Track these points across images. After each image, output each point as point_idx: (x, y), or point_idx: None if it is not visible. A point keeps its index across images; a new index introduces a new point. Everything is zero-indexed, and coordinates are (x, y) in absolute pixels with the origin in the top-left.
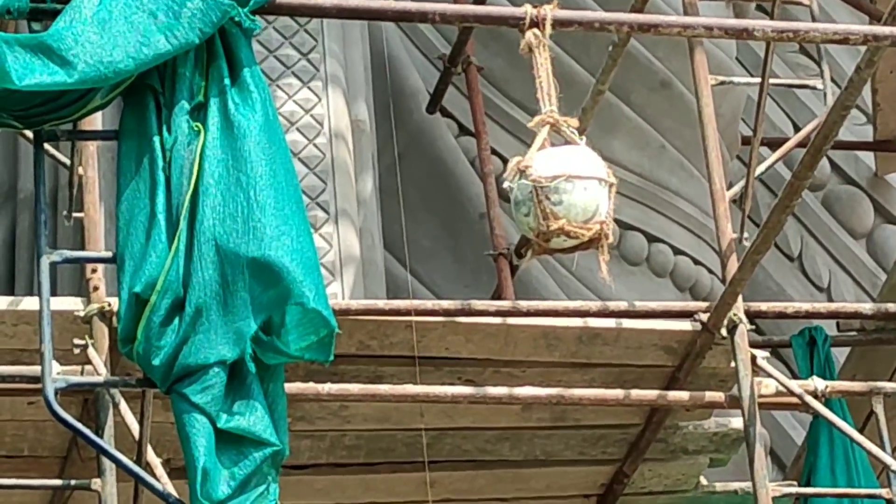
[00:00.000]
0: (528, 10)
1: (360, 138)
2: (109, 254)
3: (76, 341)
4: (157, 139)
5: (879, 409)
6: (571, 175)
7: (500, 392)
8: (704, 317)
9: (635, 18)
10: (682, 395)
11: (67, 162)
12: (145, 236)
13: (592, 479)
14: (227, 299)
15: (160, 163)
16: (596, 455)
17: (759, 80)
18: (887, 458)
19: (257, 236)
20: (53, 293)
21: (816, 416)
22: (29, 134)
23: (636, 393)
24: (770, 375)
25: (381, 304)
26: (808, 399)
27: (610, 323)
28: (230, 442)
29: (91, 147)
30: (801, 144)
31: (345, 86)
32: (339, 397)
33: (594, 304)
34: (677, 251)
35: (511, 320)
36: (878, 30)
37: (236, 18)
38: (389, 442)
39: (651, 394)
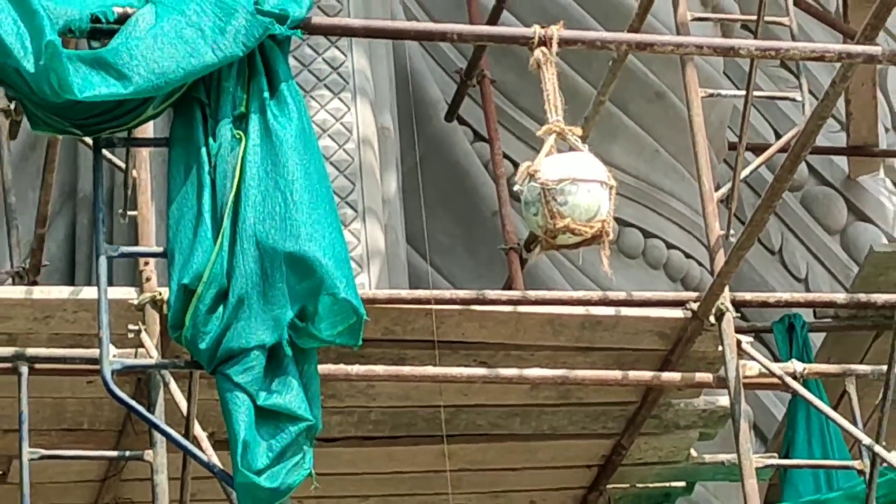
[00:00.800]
0: (536, 30)
1: (385, 144)
2: (160, 249)
3: (130, 327)
4: (203, 146)
5: (852, 388)
6: (576, 178)
7: (510, 373)
8: (695, 305)
9: (633, 38)
10: (675, 376)
11: (123, 166)
12: (193, 233)
13: (594, 451)
14: (266, 290)
15: (206, 167)
16: (597, 429)
17: (744, 92)
18: (859, 433)
19: (293, 233)
20: (110, 284)
21: (795, 395)
22: (88, 140)
23: (633, 374)
24: (753, 358)
25: (404, 293)
26: (788, 380)
27: (610, 311)
28: (268, 417)
29: (144, 152)
30: (782, 150)
31: (371, 97)
32: (366, 377)
33: (595, 294)
34: (670, 246)
35: (521, 308)
36: (851, 48)
37: (276, 35)
38: (411, 418)
39: (646, 375)
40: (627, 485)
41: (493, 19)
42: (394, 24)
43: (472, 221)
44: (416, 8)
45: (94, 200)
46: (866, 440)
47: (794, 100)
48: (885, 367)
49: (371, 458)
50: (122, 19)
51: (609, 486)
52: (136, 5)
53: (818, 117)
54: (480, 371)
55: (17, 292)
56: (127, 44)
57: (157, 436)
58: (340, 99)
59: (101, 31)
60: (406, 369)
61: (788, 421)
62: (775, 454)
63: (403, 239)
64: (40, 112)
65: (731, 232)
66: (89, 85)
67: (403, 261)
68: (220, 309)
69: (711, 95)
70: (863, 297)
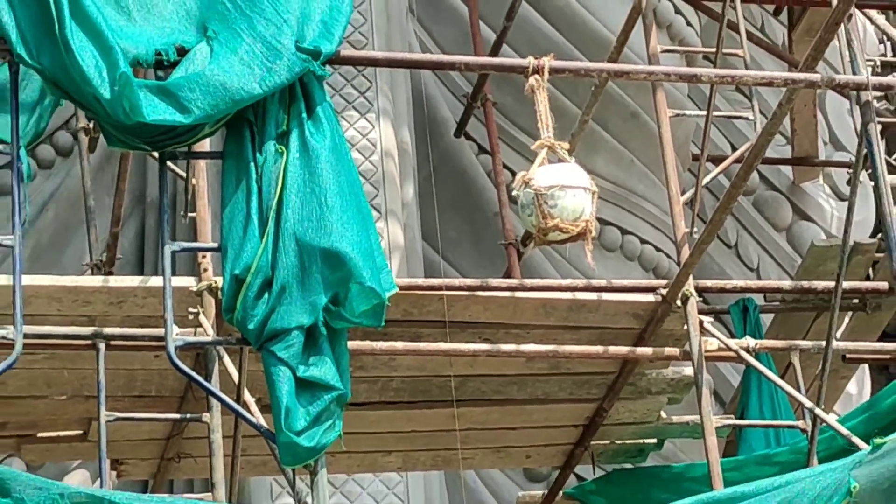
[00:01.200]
0: (531, 61)
1: (403, 156)
2: (215, 244)
3: (190, 310)
4: (251, 159)
5: (796, 360)
6: (564, 185)
7: (509, 348)
8: (664, 291)
9: (611, 67)
10: (647, 351)
11: (184, 175)
12: (243, 232)
13: (579, 413)
14: (304, 279)
15: (254, 177)
16: (582, 395)
17: (704, 112)
18: (802, 398)
19: (327, 232)
20: (173, 274)
21: (748, 366)
22: (155, 154)
23: (612, 348)
24: (713, 335)
25: (420, 281)
26: (742, 353)
27: (593, 296)
28: (306, 387)
29: (202, 164)
30: (737, 161)
31: (392, 117)
32: (387, 352)
33: (581, 282)
34: (643, 241)
35: (518, 294)
36: (795, 75)
37: (313, 70)
38: (426, 385)
39: (623, 349)
40: (608, 441)
41: (495, 51)
42: (411, 55)
43: (476, 221)
44: (429, 41)
45: (160, 204)
46: (808, 404)
47: (747, 118)
48: (823, 343)
49: (392, 420)
50: (181, 52)
51: (592, 442)
52: (192, 42)
53: (767, 133)
54: (484, 346)
55: (96, 281)
56: (187, 77)
57: (213, 401)
58: (366, 119)
59: (164, 63)
60: (422, 345)
61: (743, 388)
62: (732, 416)
63: (419, 236)
64: (115, 131)
65: (695, 229)
66: (155, 110)
67: (419, 254)
68: (266, 295)
69: (678, 115)
70: (805, 284)
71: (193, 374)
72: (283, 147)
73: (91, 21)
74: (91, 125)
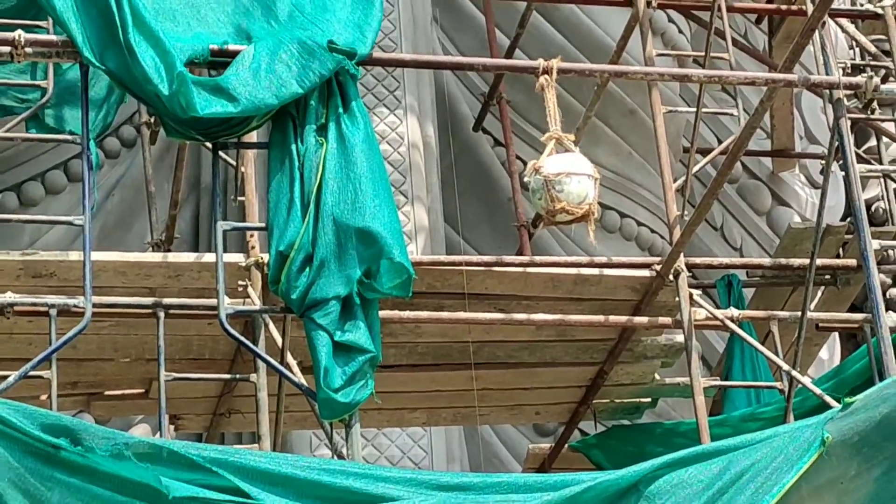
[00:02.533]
0: (541, 62)
1: (428, 148)
2: (262, 224)
3: (240, 283)
4: (294, 148)
5: (775, 329)
6: (570, 172)
7: (521, 317)
8: (658, 267)
9: (612, 68)
10: (643, 320)
11: (234, 163)
12: (287, 213)
13: (583, 375)
14: (341, 255)
15: (296, 164)
16: (586, 359)
17: (694, 109)
18: (780, 362)
19: (361, 213)
20: (224, 251)
21: (732, 333)
22: (208, 144)
23: (612, 318)
24: (702, 307)
25: (443, 258)
26: (727, 322)
27: (595, 271)
28: (342, 350)
29: (250, 153)
30: (722, 152)
31: (418, 112)
32: (413, 320)
33: (584, 259)
34: (640, 224)
35: (529, 269)
36: (774, 76)
37: (347, 69)
38: (448, 350)
39: (622, 319)
40: (608, 400)
41: (509, 55)
42: (434, 58)
43: (492, 205)
44: (450, 46)
45: (213, 189)
46: (786, 367)
47: (731, 115)
48: (799, 314)
49: (417, 381)
50: (231, 54)
51: (594, 401)
52: (236, 41)
53: (750, 128)
54: (499, 316)
55: (156, 257)
56: (236, 75)
57: (260, 363)
58: (395, 115)
59: (216, 62)
60: (444, 314)
61: (727, 353)
62: (717, 378)
63: (441, 218)
64: (173, 124)
65: (685, 213)
66: (208, 105)
67: (441, 234)
68: (307, 269)
69: (670, 111)
70: (783, 261)
71: (242, 339)
72: (322, 138)
73: (150, 28)
74: (152, 119)
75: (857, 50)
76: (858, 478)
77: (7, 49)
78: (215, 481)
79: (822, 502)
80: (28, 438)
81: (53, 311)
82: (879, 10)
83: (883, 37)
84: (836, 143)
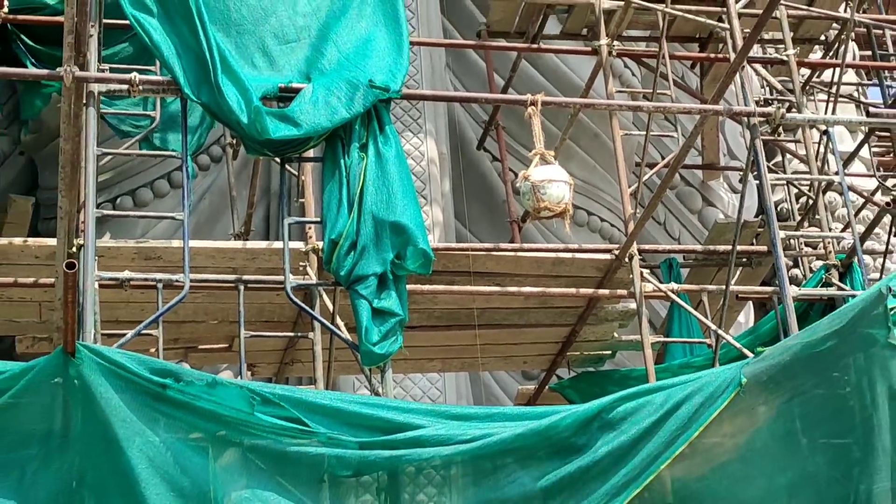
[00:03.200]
0: (529, 97)
1: (442, 162)
2: (318, 219)
3: (300, 263)
4: (342, 162)
5: (705, 299)
6: (551, 179)
7: (513, 290)
8: (616, 252)
9: (582, 101)
10: (605, 292)
11: (296, 173)
12: (336, 211)
13: (559, 334)
14: (378, 242)
15: (344, 174)
16: (561, 321)
17: (644, 133)
18: (709, 323)
19: (393, 210)
20: (289, 239)
21: (673, 302)
22: (277, 159)
23: (582, 290)
24: (650, 282)
25: (453, 245)
26: (669, 294)
27: (569, 255)
28: (379, 314)
29: (308, 165)
30: (665, 166)
31: (434, 136)
32: (432, 292)
33: (561, 246)
34: (602, 220)
35: (519, 254)
36: (705, 107)
37: (382, 99)
38: (457, 315)
39: (589, 291)
40: (578, 353)
41: (504, 91)
42: (447, 93)
43: (491, 205)
44: (458, 84)
45: (280, 193)
46: (713, 327)
47: (672, 136)
48: (723, 287)
49: (434, 338)
50: (295, 90)
51: (568, 353)
52: (299, 81)
53: (686, 147)
54: (496, 289)
55: (237, 245)
56: (299, 106)
57: (316, 324)
58: (417, 137)
59: (282, 97)
60: (454, 287)
61: (668, 317)
62: (661, 335)
63: (452, 215)
64: (250, 144)
65: (637, 212)
66: (278, 129)
67: (452, 227)
68: (352, 253)
69: (626, 134)
70: (711, 248)
71: (303, 305)
72: (363, 154)
73: (234, 72)
74: (234, 140)
75: (768, 88)
76: (765, 405)
77: (125, 87)
78: (281, 413)
79: (738, 423)
80: (141, 380)
81: (160, 285)
82: (784, 58)
83: (787, 78)
84: (752, 159)
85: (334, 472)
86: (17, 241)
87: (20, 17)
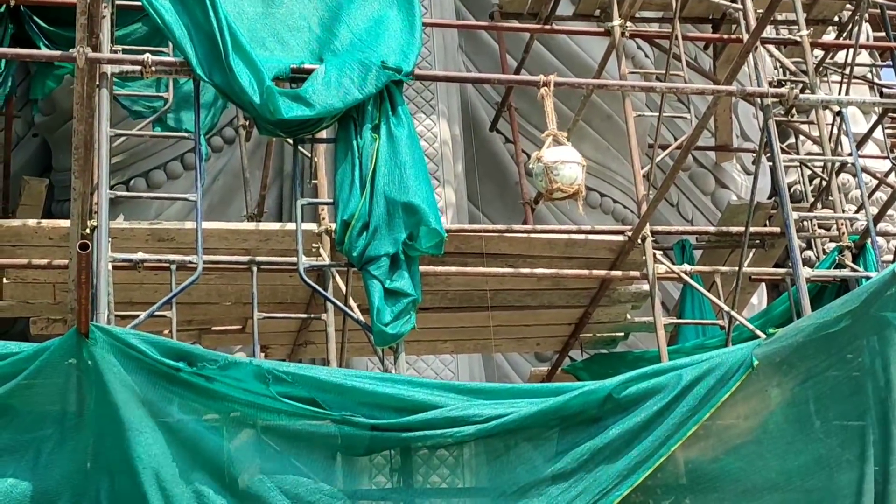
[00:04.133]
0: (541, 78)
1: (455, 144)
2: (331, 200)
3: (313, 245)
4: (355, 143)
5: (718, 280)
6: (563, 160)
7: (526, 271)
8: (629, 234)
9: (595, 82)
10: (618, 273)
11: (309, 154)
12: (349, 191)
13: (573, 315)
14: (390, 223)
15: (356, 155)
16: (575, 303)
17: (657, 114)
18: (722, 305)
19: (405, 191)
20: (302, 220)
21: (686, 284)
22: (289, 140)
23: (595, 272)
24: (663, 263)
25: (466, 226)
26: (682, 275)
27: (582, 237)
28: (391, 294)
29: (321, 147)
30: (677, 147)
31: (447, 117)
32: (444, 273)
33: (573, 227)
34: (615, 201)
35: (532, 235)
36: (718, 88)
37: (395, 80)
38: (470, 296)
39: (602, 272)
40: (591, 335)
41: (517, 72)
42: (460, 74)
43: (504, 187)
44: (471, 66)
45: (293, 174)
46: (726, 308)
47: (685, 118)
48: (736, 269)
49: (447, 319)
50: (307, 71)
51: (581, 335)
52: (311, 62)
53: (699, 128)
54: (509, 270)
55: (250, 226)
56: (312, 87)
57: (329, 305)
58: (430, 119)
59: (295, 78)
60: (467, 269)
61: (681, 298)
62: (674, 317)
63: (465, 197)
64: (263, 124)
65: (650, 193)
66: (290, 109)
67: (465, 209)
68: (364, 234)
69: (639, 116)
70: (724, 229)
71: (316, 286)
72: (376, 135)
73: (246, 53)
74: (247, 121)
75: (781, 69)
76: (778, 387)
77: (138, 68)
78: (295, 392)
79: (751, 405)
80: (154, 362)
81: (173, 267)
82: (798, 38)
83: (800, 59)
84: (765, 140)
85: (347, 452)
86: (31, 222)
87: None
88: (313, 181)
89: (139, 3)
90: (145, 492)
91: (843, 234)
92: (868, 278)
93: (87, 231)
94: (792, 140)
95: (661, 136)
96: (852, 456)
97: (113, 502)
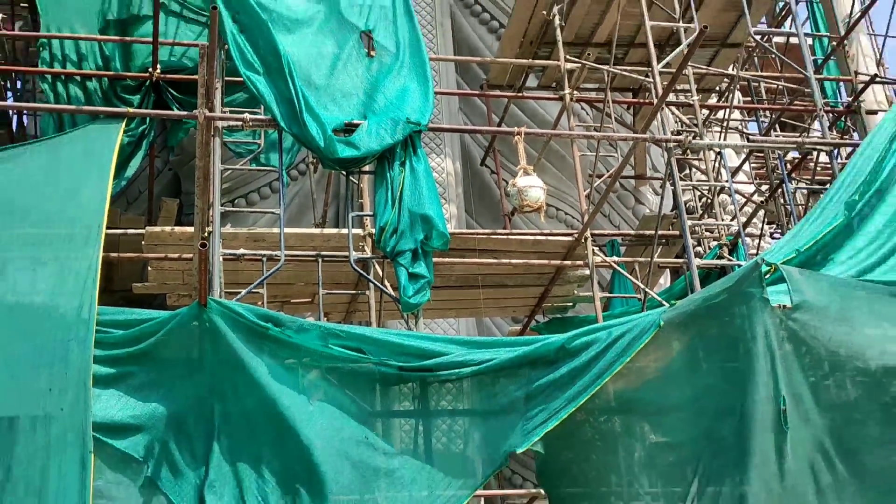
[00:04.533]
0: (515, 129)
1: (456, 175)
2: (371, 213)
3: (360, 243)
4: (388, 174)
5: (637, 267)
6: (531, 186)
7: (505, 261)
8: (576, 235)
9: (551, 132)
10: (568, 262)
11: (357, 181)
12: (384, 207)
13: (538, 291)
14: (412, 228)
15: (389, 182)
16: (539, 283)
17: (594, 154)
18: (640, 284)
19: (422, 206)
20: (352, 227)
21: (615, 270)
22: (343, 172)
23: (552, 262)
24: (599, 256)
25: (464, 231)
26: (612, 264)
27: (543, 238)
28: (413, 277)
29: (365, 177)
30: (609, 177)
31: (451, 156)
32: (449, 262)
33: (538, 231)
34: (566, 213)
35: (510, 237)
36: (636, 136)
37: (415, 131)
38: (467, 278)
39: (557, 262)
40: (550, 304)
41: (499, 125)
42: (459, 127)
43: (490, 204)
44: (467, 120)
45: (347, 196)
46: (642, 286)
47: (613, 156)
48: (649, 259)
49: (451, 295)
50: (356, 125)
51: (543, 305)
52: (359, 119)
53: (623, 163)
54: (494, 260)
55: (317, 231)
56: (358, 136)
57: (371, 285)
58: (439, 157)
59: (348, 129)
60: (465, 260)
61: (611, 280)
62: (606, 292)
63: (463, 210)
64: (326, 161)
65: (590, 208)
66: (344, 151)
67: (463, 219)
68: (394, 236)
69: (583, 155)
70: (640, 232)
71: (362, 272)
72: (402, 168)
73: (314, 112)
74: (314, 159)
75: (680, 122)
76: (678, 340)
77: (240, 123)
78: (346, 343)
79: (659, 353)
80: (251, 323)
81: (264, 259)
82: (691, 102)
83: (693, 116)
84: (669, 171)
85: (382, 385)
86: (168, 229)
87: (168, 75)
88: (360, 200)
89: (241, 79)
90: (248, 411)
91: (722, 236)
92: (739, 266)
93: (205, 234)
94: (687, 171)
95: (597, 169)
96: (728, 387)
97: (222, 420)
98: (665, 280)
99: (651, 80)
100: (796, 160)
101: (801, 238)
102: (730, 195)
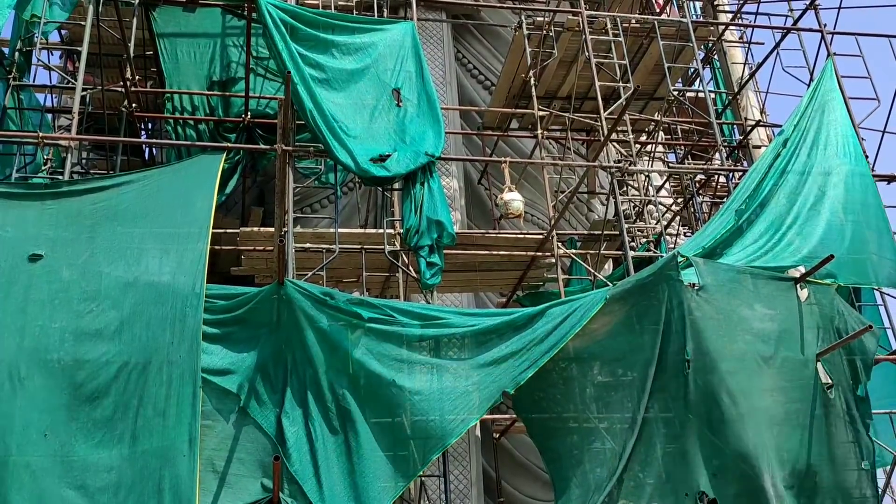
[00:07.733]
0: (503, 158)
1: (460, 191)
2: (400, 218)
3: (392, 240)
4: (412, 190)
5: (589, 258)
6: (514, 199)
7: (495, 253)
8: (546, 234)
9: (528, 161)
10: (540, 254)
11: (389, 195)
12: (409, 214)
13: (518, 274)
14: (429, 229)
15: (412, 195)
16: (518, 269)
17: (559, 176)
18: (592, 270)
19: (437, 212)
20: (386, 228)
21: (573, 259)
22: (380, 188)
23: (528, 253)
24: (563, 249)
25: (466, 231)
26: (572, 255)
27: (522, 236)
28: (430, 265)
29: (395, 192)
30: (570, 192)
31: (457, 177)
32: (455, 254)
33: (518, 231)
34: (539, 219)
35: (499, 235)
36: (589, 164)
37: (431, 161)
38: (468, 265)
39: (532, 253)
40: (527, 283)
41: (491, 156)
42: (462, 157)
43: (484, 212)
44: (466, 151)
45: (382, 205)
46: (593, 272)
47: (573, 177)
48: (597, 252)
49: (457, 275)
50: (387, 157)
51: (522, 284)
52: (389, 150)
53: (579, 183)
54: (486, 252)
55: (361, 231)
56: (390, 163)
57: (400, 270)
58: (448, 178)
59: (382, 158)
60: (467, 251)
61: (570, 266)
62: (567, 275)
63: (465, 216)
64: (366, 180)
65: (555, 215)
66: (380, 172)
67: (465, 223)
68: (416, 235)
69: (550, 177)
70: (591, 232)
71: (393, 260)
72: (422, 187)
73: (348, 147)
74: (358, 178)
75: (619, 153)
76: (619, 310)
77: (307, 154)
78: (381, 313)
79: (605, 319)
80: (313, 296)
81: (324, 250)
82: (628, 139)
83: (630, 149)
84: (612, 188)
85: (408, 340)
86: (256, 229)
87: (256, 120)
88: (392, 209)
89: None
90: (311, 359)
91: (649, 235)
92: (662, 257)
93: (282, 233)
94: (625, 188)
95: (560, 187)
96: (653, 342)
97: (293, 365)
98: (609, 267)
99: (599, 123)
100: (703, 181)
101: (706, 237)
102: (655, 206)
